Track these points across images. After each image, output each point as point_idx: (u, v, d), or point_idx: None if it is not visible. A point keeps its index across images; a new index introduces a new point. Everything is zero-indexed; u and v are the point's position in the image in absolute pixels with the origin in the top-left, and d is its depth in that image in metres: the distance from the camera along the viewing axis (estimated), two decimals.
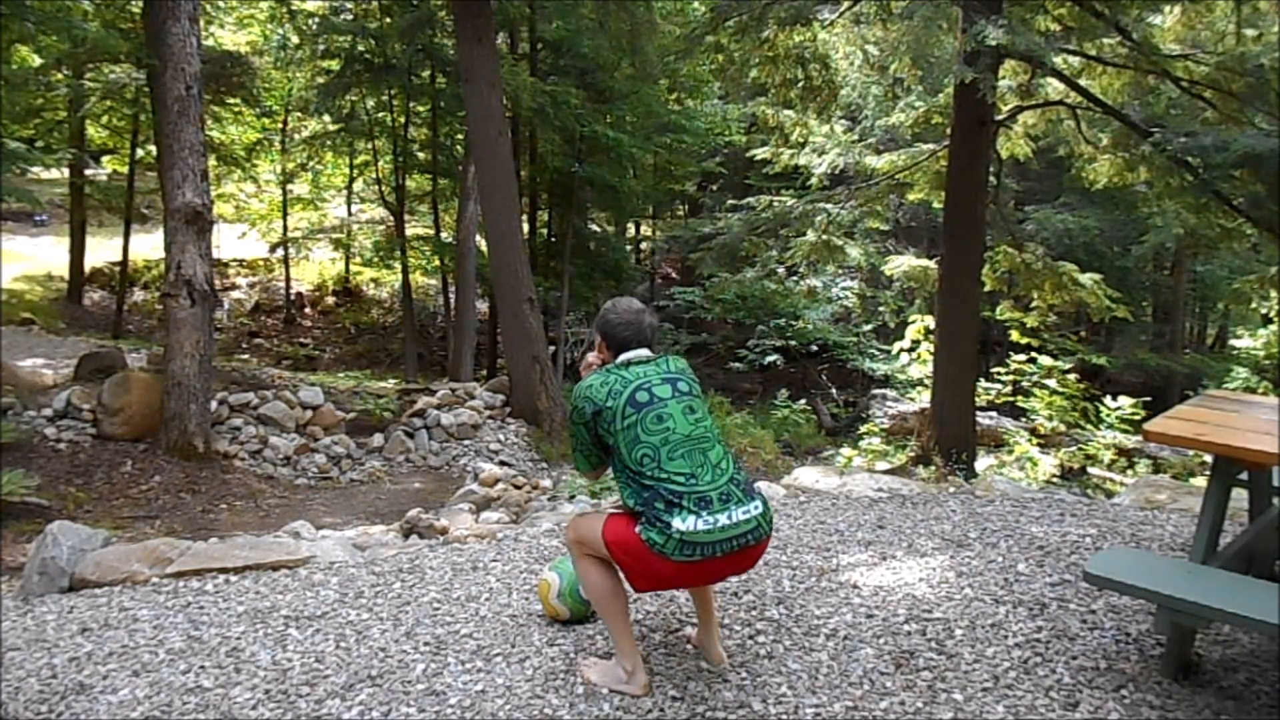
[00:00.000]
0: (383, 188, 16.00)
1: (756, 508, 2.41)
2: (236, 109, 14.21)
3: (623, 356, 2.57)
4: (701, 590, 2.70)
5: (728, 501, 2.36)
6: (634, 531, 2.37)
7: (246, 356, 15.13)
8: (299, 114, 16.62)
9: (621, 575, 2.51)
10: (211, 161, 10.91)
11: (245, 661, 2.84)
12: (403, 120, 14.53)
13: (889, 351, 12.32)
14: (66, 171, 15.22)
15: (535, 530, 4.21)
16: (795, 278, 15.09)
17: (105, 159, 17.91)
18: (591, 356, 2.69)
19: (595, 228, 17.30)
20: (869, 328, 16.12)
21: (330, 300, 19.14)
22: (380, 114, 14.51)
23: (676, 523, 2.30)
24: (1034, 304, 8.27)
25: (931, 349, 7.77)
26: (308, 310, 18.72)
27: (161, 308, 7.96)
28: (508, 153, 9.55)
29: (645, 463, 2.38)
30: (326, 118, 15.09)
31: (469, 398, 8.99)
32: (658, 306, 17.43)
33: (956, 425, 6.59)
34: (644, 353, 2.59)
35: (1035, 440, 8.30)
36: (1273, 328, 12.31)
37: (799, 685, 2.57)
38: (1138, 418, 8.05)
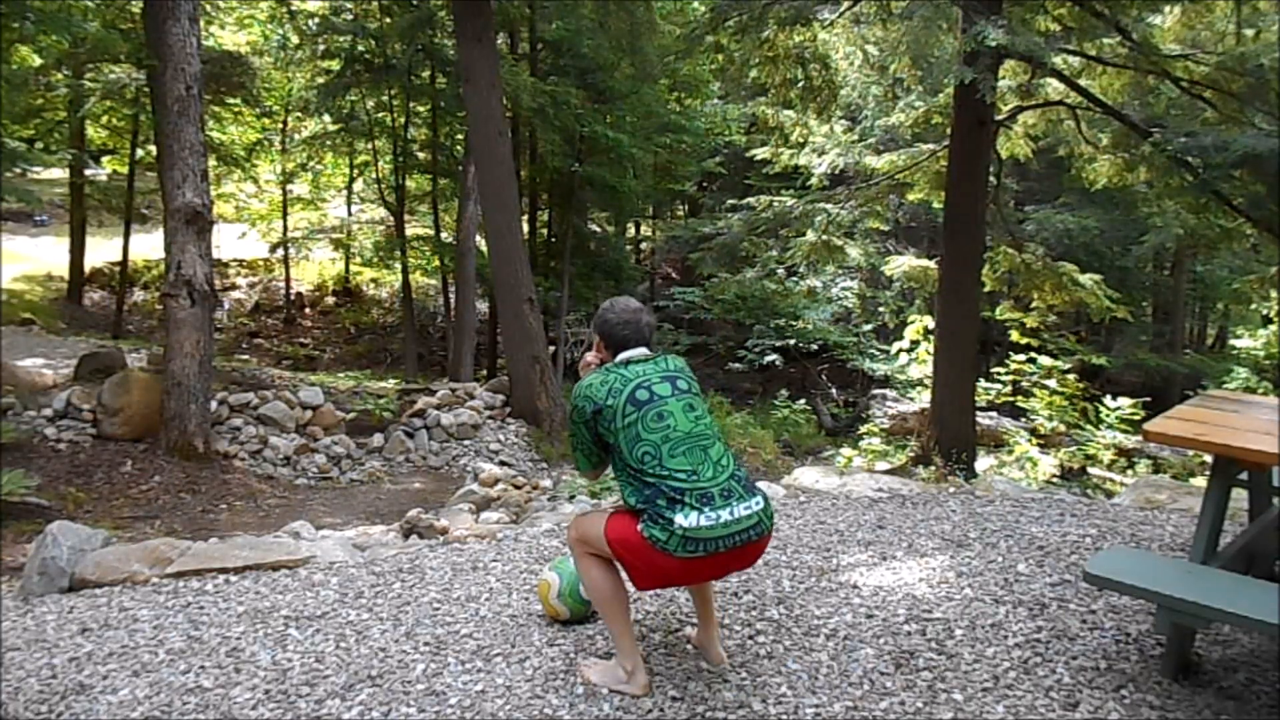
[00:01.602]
0: (383, 188, 15.99)
1: (758, 503, 2.42)
2: (236, 109, 14.21)
3: (621, 355, 2.58)
4: (702, 590, 2.70)
5: (729, 497, 2.37)
6: (636, 529, 2.37)
7: (246, 356, 15.12)
8: (299, 114, 16.61)
9: (623, 574, 2.51)
10: (211, 161, 10.89)
11: (245, 661, 2.84)
12: (403, 120, 14.52)
13: (889, 351, 12.32)
14: (66, 171, 15.22)
15: (535, 530, 4.21)
16: (795, 278, 15.10)
17: (105, 159, 17.91)
18: (590, 356, 2.70)
19: (595, 228, 17.30)
20: (869, 328, 16.11)
21: (330, 300, 19.14)
22: (380, 114, 14.50)
23: (679, 519, 2.31)
24: (1034, 304, 8.26)
25: (931, 349, 7.76)
26: (308, 310, 18.71)
27: (161, 308, 7.97)
28: (508, 153, 9.55)
29: (647, 460, 2.38)
30: (326, 118, 15.09)
31: (469, 398, 8.99)
32: (657, 306, 17.44)
33: (956, 425, 6.59)
34: (642, 351, 2.60)
35: (1035, 440, 8.29)
36: (1273, 328, 12.31)
37: (799, 685, 2.57)
38: (1138, 418, 8.04)
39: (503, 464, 7.96)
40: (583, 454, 2.58)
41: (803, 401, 14.04)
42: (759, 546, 2.45)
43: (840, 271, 15.31)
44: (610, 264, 16.42)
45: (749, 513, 2.38)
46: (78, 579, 3.61)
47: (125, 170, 15.07)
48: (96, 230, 17.12)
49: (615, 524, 2.45)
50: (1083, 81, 6.90)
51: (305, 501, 6.78)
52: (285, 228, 18.19)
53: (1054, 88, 7.14)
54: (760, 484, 5.06)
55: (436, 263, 15.61)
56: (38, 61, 11.38)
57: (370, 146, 15.54)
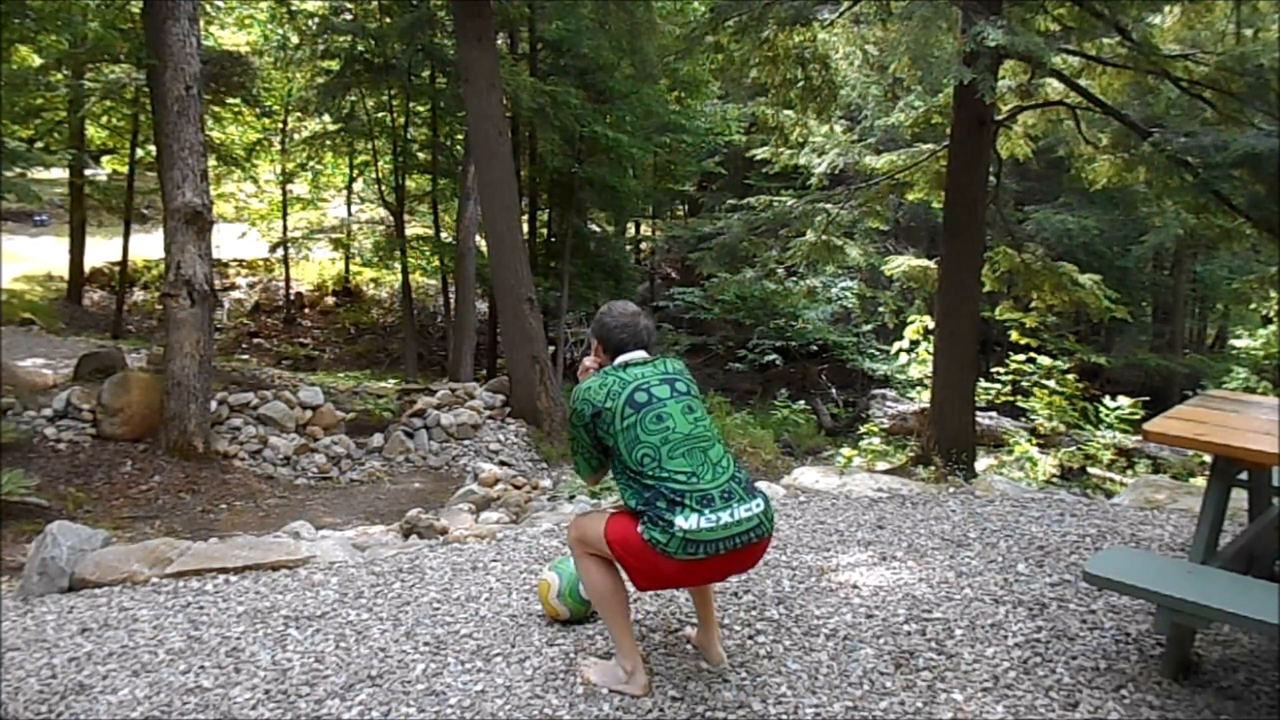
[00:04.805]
0: (383, 188, 15.99)
1: (759, 505, 2.41)
2: (236, 109, 14.21)
3: (620, 359, 2.57)
4: (702, 590, 2.70)
5: (730, 499, 2.36)
6: (636, 531, 2.36)
7: (246, 356, 15.12)
8: (299, 114, 16.61)
9: (623, 574, 2.52)
10: (211, 161, 10.90)
11: (245, 661, 2.85)
12: (403, 120, 14.52)
13: (889, 351, 12.33)
14: (66, 171, 15.22)
15: (535, 530, 4.21)
16: (795, 278, 15.10)
17: (105, 159, 17.89)
18: (588, 361, 2.70)
19: (595, 228, 17.30)
20: (869, 328, 16.11)
21: (330, 300, 19.13)
22: (380, 114, 14.50)
23: (680, 521, 2.29)
24: (1034, 304, 8.26)
25: (931, 349, 7.76)
26: (308, 310, 18.70)
27: (161, 308, 7.96)
28: (508, 153, 9.55)
29: (646, 462, 2.38)
30: (326, 118, 15.09)
31: (469, 398, 8.98)
32: (657, 307, 17.45)
33: (956, 425, 6.58)
34: (641, 354, 2.59)
35: (1035, 440, 8.29)
36: (1272, 328, 12.30)
37: (799, 685, 2.57)
38: (1137, 418, 8.04)
39: (503, 464, 7.96)
40: (583, 458, 2.58)
41: (802, 401, 14.05)
42: (759, 549, 2.43)
43: (840, 271, 15.31)
44: (610, 264, 16.41)
45: (749, 514, 2.37)
46: (77, 579, 3.62)
47: (125, 170, 15.07)
48: (96, 230, 17.12)
49: (615, 525, 2.45)
50: (1083, 81, 6.89)
51: (305, 501, 6.78)
52: (285, 228, 18.19)
53: (1054, 88, 7.14)
54: (760, 484, 5.06)
55: (436, 263, 15.61)
56: (38, 61, 11.38)
57: (370, 146, 15.54)
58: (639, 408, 2.43)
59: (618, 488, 2.49)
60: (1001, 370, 9.21)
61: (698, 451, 2.41)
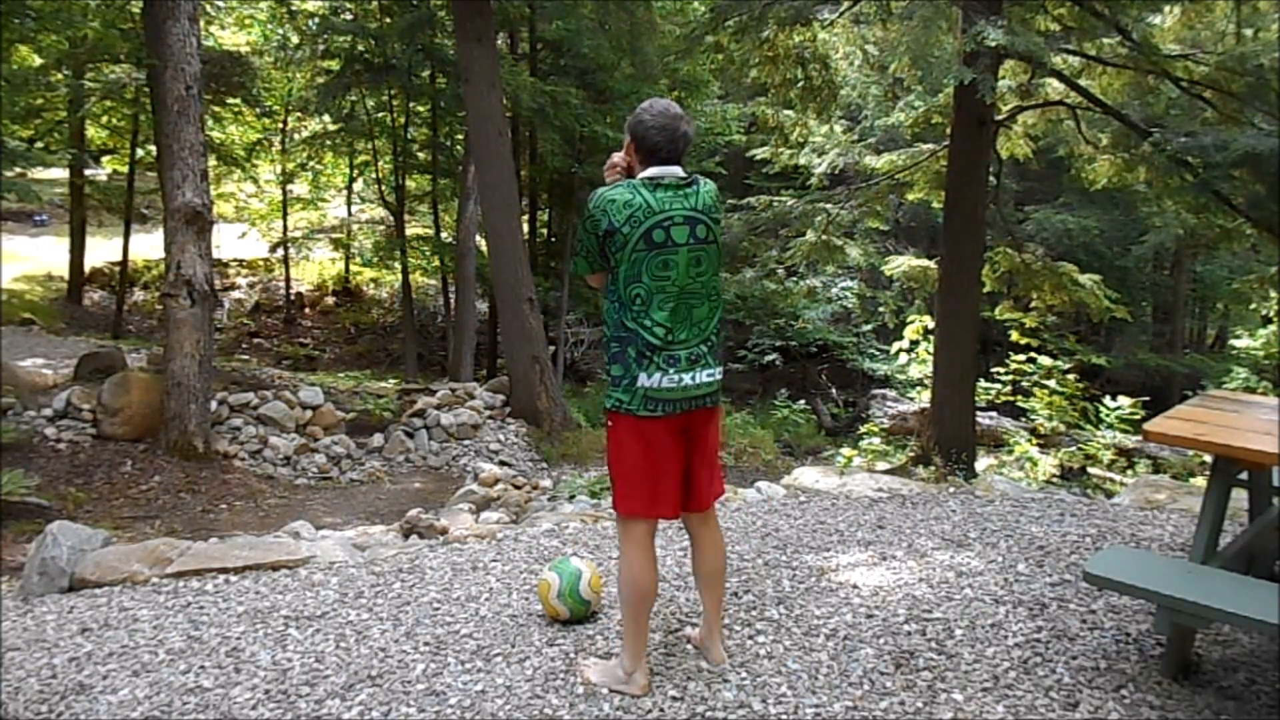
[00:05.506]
0: (383, 188, 15.99)
1: (719, 374, 2.55)
2: (236, 109, 14.21)
3: (653, 170, 2.46)
4: (712, 586, 2.69)
5: (695, 364, 2.47)
6: (609, 425, 2.54)
7: (246, 356, 15.11)
8: (299, 114, 16.61)
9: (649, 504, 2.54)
10: (211, 161, 10.89)
11: (245, 661, 2.84)
12: (403, 120, 14.52)
13: (889, 351, 12.33)
14: (66, 171, 15.22)
15: (535, 530, 4.21)
16: (795, 278, 15.10)
17: (105, 159, 17.91)
18: (618, 157, 2.58)
19: None
20: (869, 328, 16.12)
21: (330, 300, 19.12)
22: (380, 114, 14.50)
23: (642, 378, 2.43)
24: (1034, 304, 8.26)
25: (931, 349, 7.76)
26: (308, 310, 18.70)
27: (161, 308, 7.97)
28: (508, 153, 9.55)
29: (635, 302, 2.43)
30: (326, 118, 15.09)
31: (469, 398, 8.99)
32: None
33: (956, 425, 6.58)
34: (676, 171, 2.47)
35: (1035, 440, 8.29)
36: (1272, 328, 12.29)
37: (799, 685, 2.57)
38: (1138, 418, 8.04)
39: (503, 464, 7.96)
40: (584, 258, 2.54)
41: (803, 401, 14.05)
42: (712, 414, 2.58)
43: (840, 271, 15.31)
44: None
45: (709, 380, 2.51)
46: (78, 579, 3.61)
47: (125, 170, 15.07)
48: (96, 230, 17.12)
49: (608, 457, 2.59)
50: (1083, 81, 6.89)
51: (305, 501, 6.78)
52: (285, 228, 18.18)
53: (1054, 88, 7.14)
54: (760, 484, 5.08)
55: (436, 263, 15.61)
56: (38, 61, 11.39)
57: (370, 146, 15.54)
58: (652, 246, 2.40)
59: (603, 303, 2.54)
60: (1001, 370, 9.21)
61: (684, 307, 2.46)
